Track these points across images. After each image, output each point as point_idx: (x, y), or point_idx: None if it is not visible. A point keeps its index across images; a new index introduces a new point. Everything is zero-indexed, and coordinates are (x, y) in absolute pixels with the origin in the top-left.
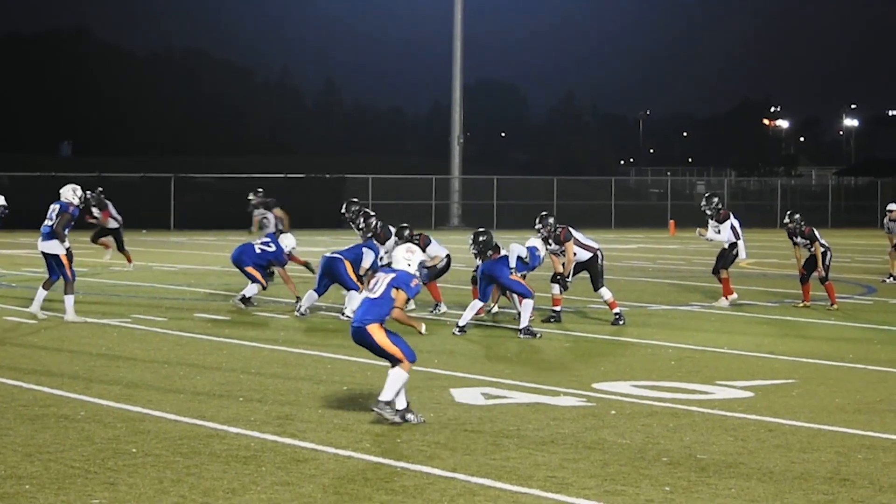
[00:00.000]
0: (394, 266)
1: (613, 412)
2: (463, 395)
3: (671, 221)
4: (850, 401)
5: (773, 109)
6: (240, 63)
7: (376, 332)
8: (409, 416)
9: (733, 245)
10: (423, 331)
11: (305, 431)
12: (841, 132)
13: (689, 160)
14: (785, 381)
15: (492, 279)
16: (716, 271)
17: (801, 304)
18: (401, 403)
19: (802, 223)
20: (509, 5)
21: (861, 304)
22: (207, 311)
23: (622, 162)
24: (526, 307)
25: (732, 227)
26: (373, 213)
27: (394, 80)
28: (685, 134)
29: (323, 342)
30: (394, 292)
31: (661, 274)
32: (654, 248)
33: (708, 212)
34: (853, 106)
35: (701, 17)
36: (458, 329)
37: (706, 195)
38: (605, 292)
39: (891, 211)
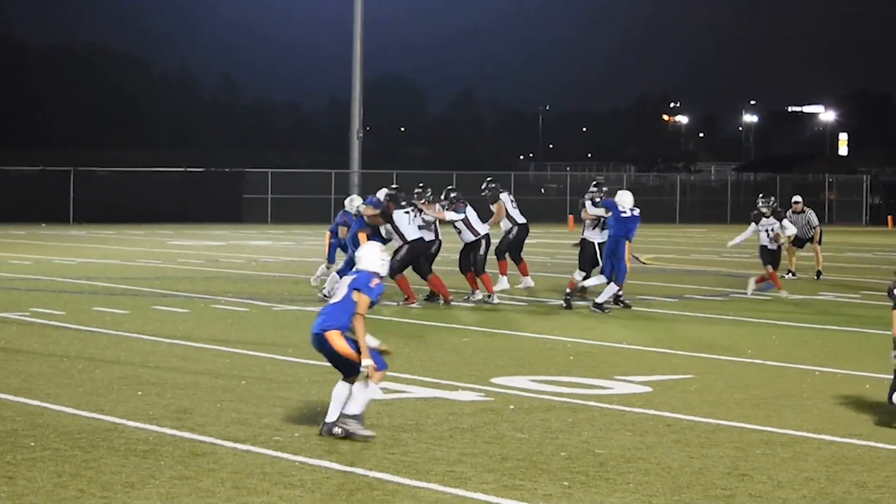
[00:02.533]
0: (361, 266)
1: (512, 407)
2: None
3: (570, 216)
4: (748, 396)
5: (672, 105)
6: (139, 57)
7: (335, 339)
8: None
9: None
10: (368, 369)
11: (204, 425)
12: (740, 128)
13: (589, 155)
14: (683, 376)
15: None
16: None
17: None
18: (333, 416)
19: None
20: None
21: (759, 300)
22: (106, 305)
23: (521, 157)
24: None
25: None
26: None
27: (293, 75)
28: (584, 129)
29: (222, 336)
30: (355, 295)
31: (560, 269)
32: (553, 244)
33: (765, 210)
34: (752, 102)
35: (600, 13)
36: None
37: (762, 196)
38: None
39: (797, 203)
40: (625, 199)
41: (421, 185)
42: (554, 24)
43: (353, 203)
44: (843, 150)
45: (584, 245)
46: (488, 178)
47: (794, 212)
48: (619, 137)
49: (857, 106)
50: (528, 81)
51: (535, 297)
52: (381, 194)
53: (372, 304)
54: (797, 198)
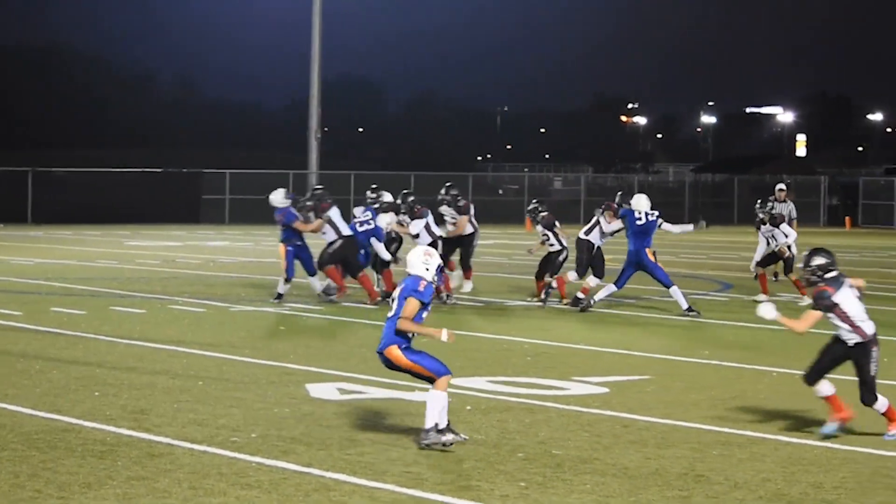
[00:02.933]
0: (409, 271)
1: (469, 408)
2: (318, 390)
3: (528, 218)
4: (705, 397)
5: (630, 106)
6: (99, 57)
7: (395, 355)
8: (449, 436)
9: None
10: (444, 338)
11: (161, 426)
12: (698, 129)
13: (547, 156)
14: (640, 377)
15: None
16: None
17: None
18: (442, 421)
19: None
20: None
21: (717, 301)
22: (64, 306)
23: (479, 158)
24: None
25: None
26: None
27: (252, 75)
28: (543, 130)
29: (179, 337)
30: (407, 303)
31: (518, 269)
32: (510, 244)
33: (762, 216)
34: (710, 103)
35: (559, 13)
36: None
37: (759, 202)
38: None
39: (781, 191)
40: (641, 203)
41: (374, 185)
42: (512, 24)
43: (279, 195)
44: (801, 151)
45: (583, 245)
46: (448, 184)
47: (777, 200)
48: (577, 138)
49: (815, 107)
50: (487, 82)
51: (494, 298)
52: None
53: (425, 307)
54: (781, 185)
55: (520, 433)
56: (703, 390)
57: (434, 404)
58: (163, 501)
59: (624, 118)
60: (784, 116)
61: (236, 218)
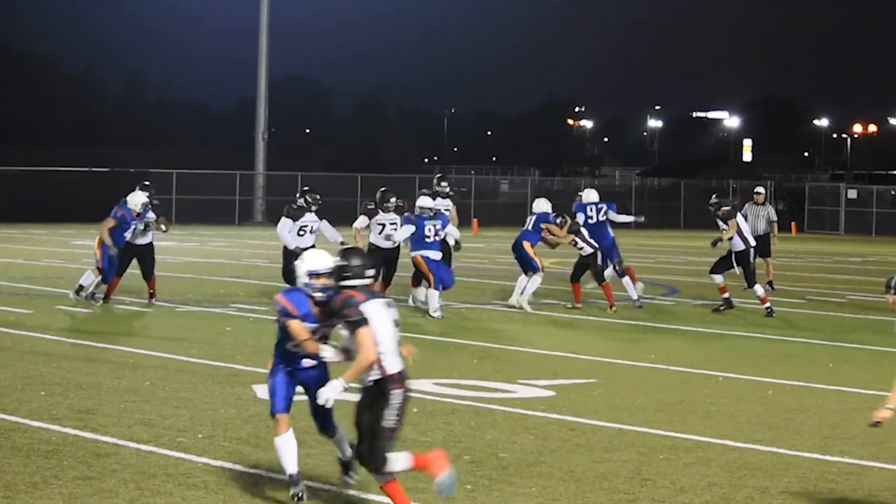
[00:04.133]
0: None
1: (415, 410)
2: (265, 391)
3: (475, 220)
4: (651, 401)
5: (577, 109)
6: (45, 55)
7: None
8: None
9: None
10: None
11: (107, 426)
12: (645, 133)
13: (494, 159)
14: (587, 380)
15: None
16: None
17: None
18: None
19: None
20: (315, 1)
21: (663, 305)
22: (10, 305)
23: (426, 160)
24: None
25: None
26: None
27: (198, 74)
28: (489, 133)
29: (126, 337)
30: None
31: (464, 272)
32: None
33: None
34: (657, 107)
35: (505, 15)
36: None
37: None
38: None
39: (758, 194)
40: (591, 196)
41: (383, 189)
42: (460, 26)
43: (136, 198)
44: (747, 155)
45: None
46: (438, 175)
47: (754, 203)
48: (524, 141)
49: (762, 112)
50: (435, 84)
51: (443, 300)
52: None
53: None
54: (760, 189)
55: (466, 436)
56: (650, 394)
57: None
58: (109, 501)
59: (571, 121)
60: (730, 121)
61: (182, 218)
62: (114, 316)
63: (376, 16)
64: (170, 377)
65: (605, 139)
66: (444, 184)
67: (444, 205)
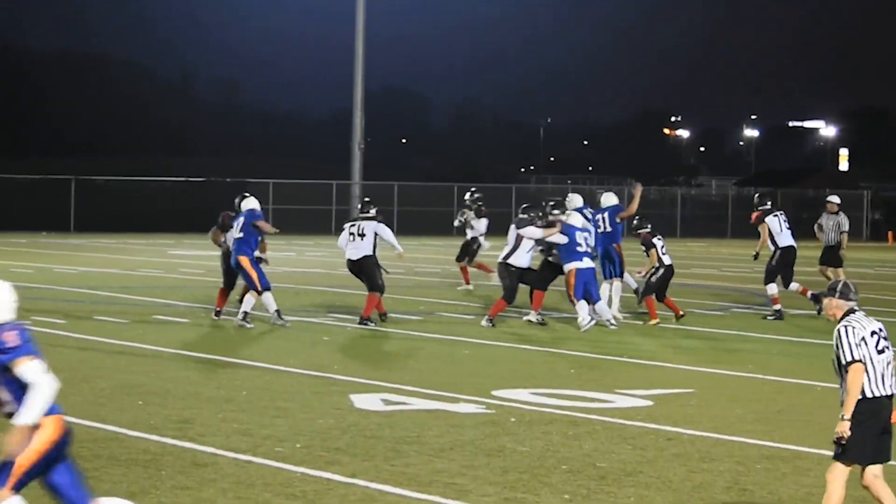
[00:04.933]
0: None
1: (513, 419)
2: (362, 400)
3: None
4: (748, 411)
5: (673, 119)
6: (143, 65)
7: None
8: None
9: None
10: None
11: (205, 436)
12: (741, 143)
13: (590, 168)
14: (684, 390)
15: None
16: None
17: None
18: None
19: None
20: (412, 11)
21: (760, 315)
22: (108, 315)
23: (522, 169)
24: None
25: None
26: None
27: (296, 84)
28: (586, 142)
29: (223, 347)
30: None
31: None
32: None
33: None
34: (753, 117)
35: (603, 27)
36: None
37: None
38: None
39: (831, 203)
40: (575, 202)
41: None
42: (558, 37)
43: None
44: (843, 165)
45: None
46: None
47: (828, 212)
48: (621, 151)
49: (858, 121)
50: (531, 94)
51: (542, 309)
52: None
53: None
54: (833, 198)
55: (564, 445)
56: (748, 404)
57: None
58: None
59: (667, 131)
60: (826, 130)
61: (279, 227)
62: (211, 326)
63: (472, 27)
64: (268, 387)
65: (702, 149)
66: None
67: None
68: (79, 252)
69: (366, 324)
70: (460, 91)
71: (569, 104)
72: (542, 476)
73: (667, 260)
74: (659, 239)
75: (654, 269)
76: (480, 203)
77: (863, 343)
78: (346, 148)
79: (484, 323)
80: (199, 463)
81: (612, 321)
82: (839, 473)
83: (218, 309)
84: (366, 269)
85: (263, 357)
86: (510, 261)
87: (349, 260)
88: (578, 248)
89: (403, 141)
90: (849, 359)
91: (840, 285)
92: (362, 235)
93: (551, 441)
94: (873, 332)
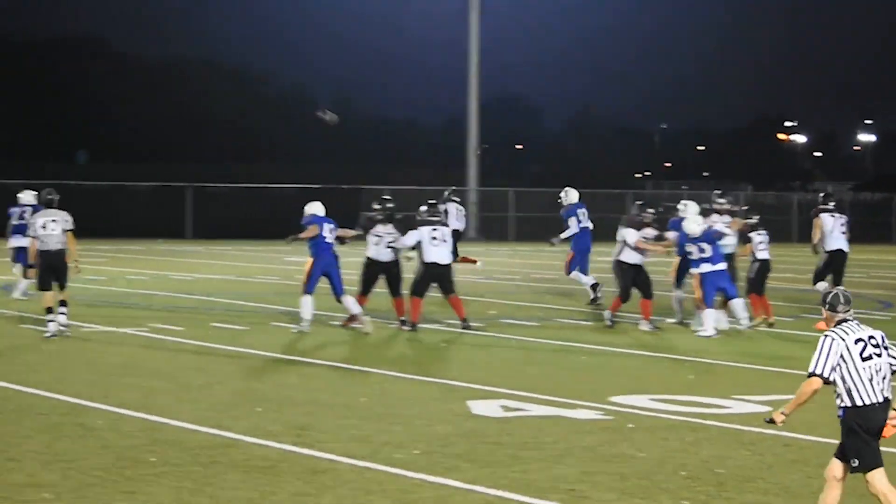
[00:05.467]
0: None
1: (631, 425)
2: (480, 406)
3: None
4: None
5: (788, 124)
6: (253, 73)
7: None
8: None
9: None
10: None
11: (323, 442)
12: (857, 147)
13: (705, 174)
14: None
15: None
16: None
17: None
18: None
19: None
20: (525, 18)
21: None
22: (225, 321)
23: (637, 175)
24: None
25: None
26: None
27: (409, 92)
28: (701, 148)
29: (341, 353)
30: None
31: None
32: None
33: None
34: (869, 121)
35: (717, 33)
36: None
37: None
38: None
39: None
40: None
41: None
42: (672, 44)
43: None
44: None
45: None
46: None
47: None
48: (735, 156)
49: None
50: (645, 100)
51: (657, 314)
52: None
53: None
54: None
55: (682, 451)
56: None
57: None
58: None
59: (782, 136)
60: None
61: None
62: (328, 333)
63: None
64: (385, 393)
65: (817, 153)
66: (721, 200)
67: (724, 221)
68: (195, 259)
69: (468, 326)
70: (575, 95)
71: (683, 110)
72: (660, 482)
73: (763, 255)
74: (760, 234)
75: (751, 263)
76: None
77: (842, 356)
78: (459, 155)
79: (645, 327)
80: (317, 469)
81: (745, 320)
82: (841, 472)
83: (402, 318)
84: (448, 274)
85: (380, 364)
86: (621, 258)
87: (436, 264)
88: (693, 256)
89: (519, 147)
90: (810, 369)
91: (830, 296)
92: (445, 241)
93: (669, 447)
94: (858, 340)
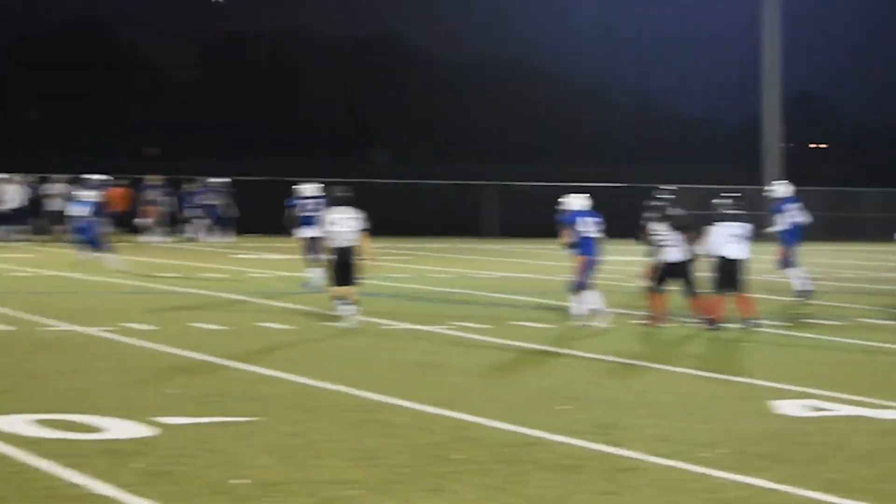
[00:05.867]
0: None
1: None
2: (783, 406)
3: None
4: None
5: None
6: (552, 72)
7: None
8: None
9: None
10: None
11: (627, 440)
12: None
13: None
14: None
15: None
16: None
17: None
18: None
19: None
20: (826, 18)
21: None
22: (528, 320)
23: None
24: None
25: None
26: None
27: (706, 91)
28: None
29: (642, 351)
30: None
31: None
32: None
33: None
34: None
35: None
36: None
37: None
38: None
39: None
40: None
41: None
42: None
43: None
44: None
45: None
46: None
47: None
48: None
49: None
50: None
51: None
52: None
53: None
54: None
55: None
56: None
57: None
58: None
59: None
60: None
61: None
62: (630, 330)
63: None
64: (688, 392)
65: None
66: None
67: None
68: (498, 257)
69: (717, 327)
70: (871, 96)
71: None
72: None
73: None
74: None
75: None
76: None
77: None
78: (755, 153)
79: None
80: (622, 468)
81: None
82: None
83: (710, 318)
84: (738, 270)
85: (681, 362)
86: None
87: (732, 259)
88: None
89: (824, 146)
90: None
91: None
92: (744, 237)
93: None
94: None
